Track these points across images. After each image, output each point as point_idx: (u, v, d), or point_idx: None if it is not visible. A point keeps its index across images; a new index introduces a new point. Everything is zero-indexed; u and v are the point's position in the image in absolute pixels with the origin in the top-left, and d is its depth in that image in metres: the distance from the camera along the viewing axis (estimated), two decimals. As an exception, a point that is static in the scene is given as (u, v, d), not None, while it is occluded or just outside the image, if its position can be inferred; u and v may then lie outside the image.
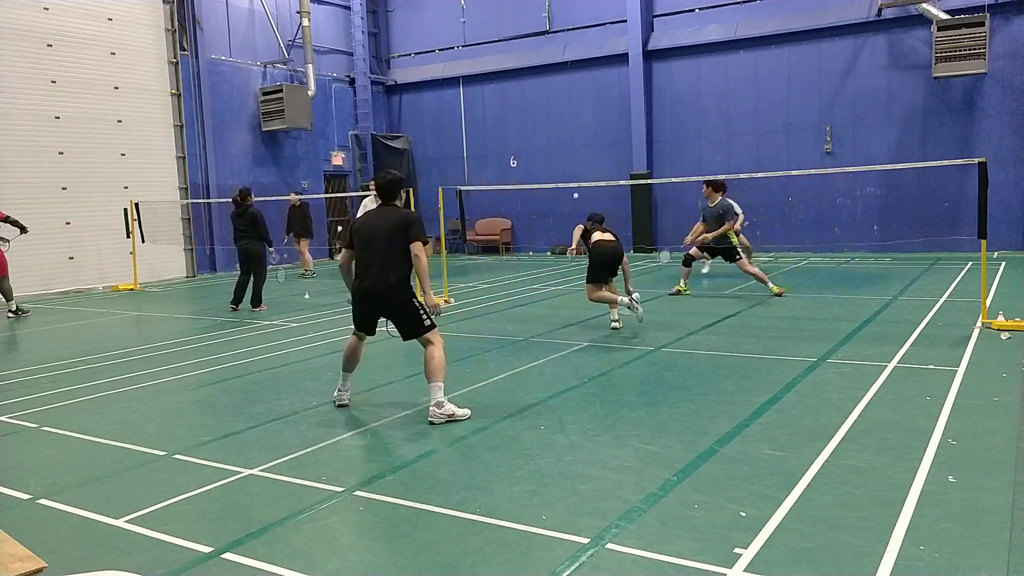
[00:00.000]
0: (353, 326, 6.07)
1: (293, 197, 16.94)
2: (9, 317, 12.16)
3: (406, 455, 4.93)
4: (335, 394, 6.22)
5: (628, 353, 7.67)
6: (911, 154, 16.18)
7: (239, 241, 12.15)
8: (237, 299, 12.09)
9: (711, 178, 11.54)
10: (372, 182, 14.48)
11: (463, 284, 14.24)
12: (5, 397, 6.93)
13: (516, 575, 3.32)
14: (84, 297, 14.87)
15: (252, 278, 12.13)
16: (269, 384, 7.04)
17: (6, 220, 12.49)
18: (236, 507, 4.20)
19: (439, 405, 5.63)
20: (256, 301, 12.11)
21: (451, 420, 5.65)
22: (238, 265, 12.35)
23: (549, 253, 20.30)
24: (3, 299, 12.41)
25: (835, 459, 4.48)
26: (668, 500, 4.00)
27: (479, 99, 21.84)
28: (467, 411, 5.79)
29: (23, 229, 12.62)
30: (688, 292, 11.66)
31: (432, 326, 5.80)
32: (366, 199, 14.10)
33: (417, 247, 5.70)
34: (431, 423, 5.58)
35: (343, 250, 6.06)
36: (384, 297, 5.75)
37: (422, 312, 5.77)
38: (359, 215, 13.94)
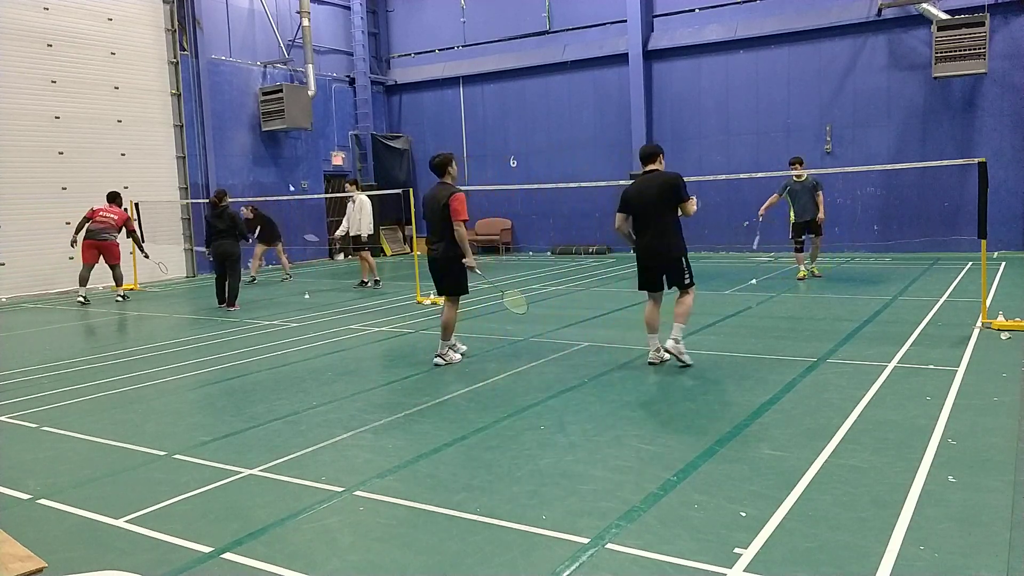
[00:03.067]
0: (640, 287, 7.17)
1: (245, 211, 15.64)
2: (118, 300, 13.75)
3: (406, 455, 4.93)
4: (649, 355, 7.09)
5: (628, 353, 7.67)
6: (911, 154, 16.17)
7: (215, 241, 12.18)
8: (222, 298, 12.26)
9: (796, 156, 12.55)
10: (347, 183, 14.83)
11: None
12: (5, 397, 6.93)
13: (516, 575, 3.32)
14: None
15: (228, 278, 12.12)
16: (269, 384, 7.03)
17: (131, 234, 13.97)
18: (236, 507, 4.20)
19: (676, 340, 6.79)
20: (232, 300, 12.09)
21: (678, 360, 6.80)
22: (214, 266, 12.51)
23: (549, 253, 20.31)
24: (114, 284, 13.99)
25: (835, 459, 4.48)
26: (668, 500, 4.00)
27: (479, 99, 21.84)
28: (691, 362, 6.85)
29: (141, 249, 14.43)
30: (817, 272, 12.82)
31: (691, 284, 6.96)
32: (348, 203, 14.14)
33: (684, 206, 6.86)
34: (665, 350, 6.91)
35: (617, 214, 7.11)
36: (660, 256, 6.93)
37: (686, 271, 6.92)
38: (346, 214, 14.23)
